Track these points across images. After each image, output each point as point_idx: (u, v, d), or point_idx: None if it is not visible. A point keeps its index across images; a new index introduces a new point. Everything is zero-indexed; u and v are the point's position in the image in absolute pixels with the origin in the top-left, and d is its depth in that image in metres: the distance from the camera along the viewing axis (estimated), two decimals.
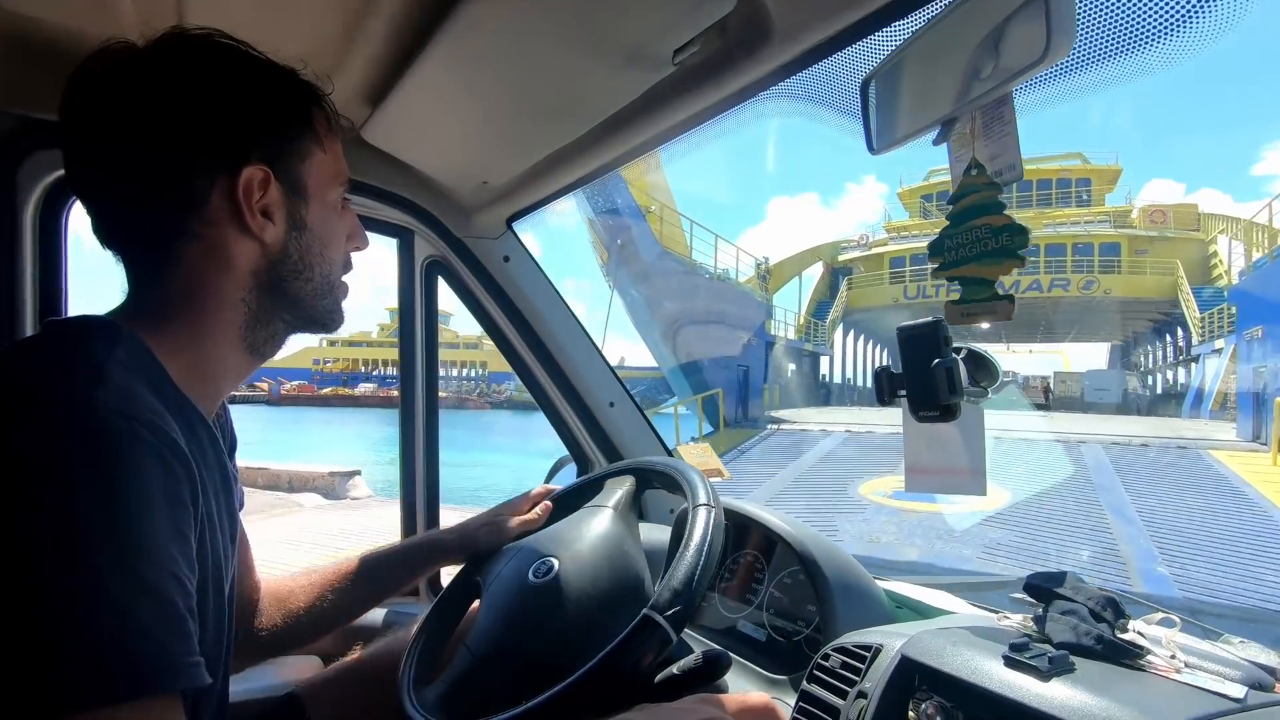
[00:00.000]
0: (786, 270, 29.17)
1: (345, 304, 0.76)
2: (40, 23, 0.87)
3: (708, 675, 0.75)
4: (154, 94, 0.60)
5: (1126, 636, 0.70)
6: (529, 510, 1.01)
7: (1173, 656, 0.69)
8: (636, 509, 0.96)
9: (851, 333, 33.08)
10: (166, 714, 0.47)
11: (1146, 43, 0.61)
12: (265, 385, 46.43)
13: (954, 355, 0.78)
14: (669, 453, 1.47)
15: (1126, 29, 0.59)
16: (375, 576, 0.96)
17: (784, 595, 1.08)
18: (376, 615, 1.27)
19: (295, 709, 0.93)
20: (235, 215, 0.63)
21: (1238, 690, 0.62)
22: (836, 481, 9.89)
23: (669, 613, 0.70)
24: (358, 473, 9.48)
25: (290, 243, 0.67)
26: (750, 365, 19.55)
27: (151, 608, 0.47)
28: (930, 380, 0.76)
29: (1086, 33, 0.59)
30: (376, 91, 0.99)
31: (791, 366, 27.34)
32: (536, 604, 0.84)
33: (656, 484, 0.97)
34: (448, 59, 0.84)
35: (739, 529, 1.15)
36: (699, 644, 1.12)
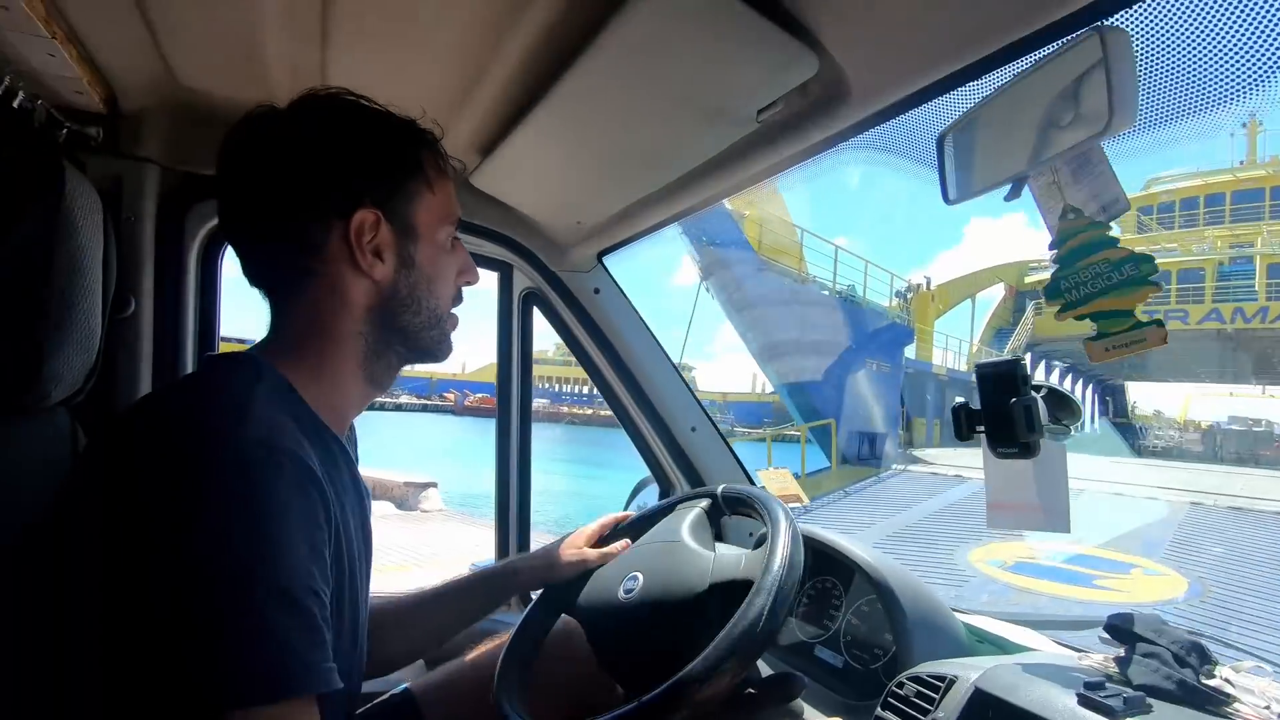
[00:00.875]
0: (956, 292, 24.65)
1: None
2: (205, 94, 1.03)
3: (781, 696, 0.79)
4: (281, 149, 0.70)
5: (1212, 683, 0.69)
6: (600, 538, 1.04)
7: (1267, 706, 0.68)
8: (709, 530, 0.96)
9: (1042, 365, 27.26)
10: (304, 715, 0.54)
11: (1217, 104, 0.63)
12: (452, 396, 48.50)
13: (1033, 394, 0.80)
14: (749, 478, 1.51)
15: (1195, 93, 0.61)
16: (465, 602, 1.04)
17: (861, 623, 1.10)
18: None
19: (410, 706, 1.02)
20: (349, 255, 0.70)
21: None
22: (945, 541, 7.70)
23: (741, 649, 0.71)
24: (433, 485, 9.31)
25: (400, 280, 0.73)
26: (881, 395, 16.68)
27: (292, 620, 0.54)
28: (1009, 417, 0.78)
29: (1151, 96, 0.62)
30: (486, 143, 1.10)
31: (959, 399, 23.76)
32: (627, 619, 0.90)
33: (728, 511, 0.97)
34: (552, 118, 0.93)
35: (818, 555, 1.18)
36: (777, 666, 1.15)
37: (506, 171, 1.15)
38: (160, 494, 0.56)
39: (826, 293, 16.69)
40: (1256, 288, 22.45)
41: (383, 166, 0.72)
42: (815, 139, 0.84)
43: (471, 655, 1.09)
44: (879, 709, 0.85)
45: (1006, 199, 0.67)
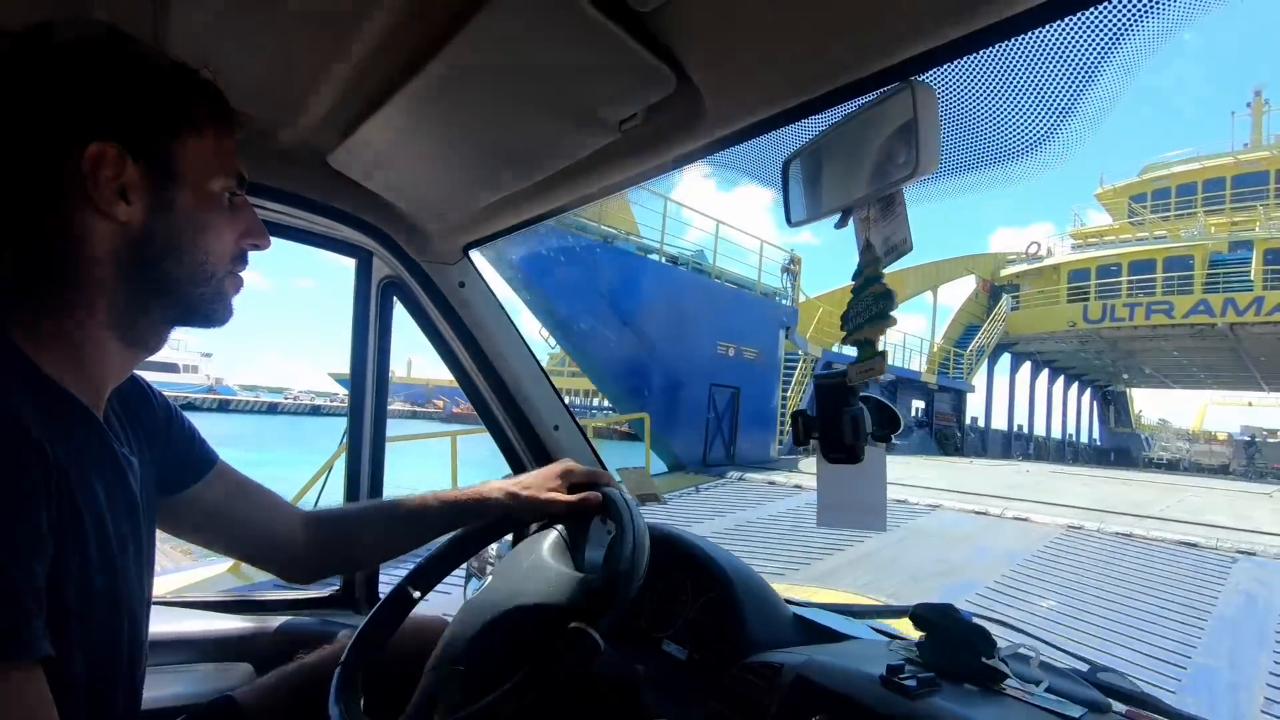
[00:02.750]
0: (909, 283, 21.54)
1: None
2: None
3: (619, 693, 0.81)
4: (5, 69, 0.61)
5: (990, 663, 0.79)
6: (574, 492, 1.02)
7: (1028, 682, 0.79)
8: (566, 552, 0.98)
9: (1027, 365, 26.77)
10: (12, 683, 0.50)
11: (1012, 158, 0.72)
12: (441, 403, 45.36)
13: (860, 404, 0.87)
14: None
15: (992, 147, 0.70)
16: (424, 519, 1.02)
17: (706, 617, 1.15)
18: (312, 624, 1.30)
19: (232, 714, 0.95)
20: (85, 193, 0.63)
21: (1076, 710, 0.72)
22: None
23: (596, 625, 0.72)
24: None
25: (154, 225, 0.66)
26: (744, 387, 13.54)
27: None
28: (839, 426, 0.85)
29: (957, 146, 0.70)
30: (347, 124, 1.04)
31: (919, 404, 20.97)
32: (470, 619, 0.89)
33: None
34: (414, 105, 0.90)
35: (669, 551, 1.22)
36: (621, 661, 1.18)
37: (368, 154, 1.10)
38: None
39: (654, 257, 13.02)
40: (1252, 276, 19.77)
41: (133, 99, 0.65)
42: (676, 153, 0.87)
43: (304, 661, 1.04)
44: (711, 700, 0.90)
45: (836, 227, 0.73)
